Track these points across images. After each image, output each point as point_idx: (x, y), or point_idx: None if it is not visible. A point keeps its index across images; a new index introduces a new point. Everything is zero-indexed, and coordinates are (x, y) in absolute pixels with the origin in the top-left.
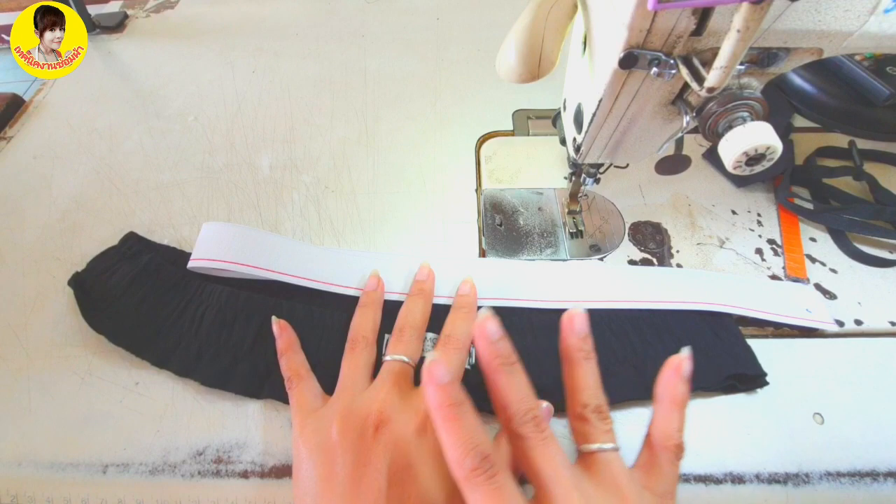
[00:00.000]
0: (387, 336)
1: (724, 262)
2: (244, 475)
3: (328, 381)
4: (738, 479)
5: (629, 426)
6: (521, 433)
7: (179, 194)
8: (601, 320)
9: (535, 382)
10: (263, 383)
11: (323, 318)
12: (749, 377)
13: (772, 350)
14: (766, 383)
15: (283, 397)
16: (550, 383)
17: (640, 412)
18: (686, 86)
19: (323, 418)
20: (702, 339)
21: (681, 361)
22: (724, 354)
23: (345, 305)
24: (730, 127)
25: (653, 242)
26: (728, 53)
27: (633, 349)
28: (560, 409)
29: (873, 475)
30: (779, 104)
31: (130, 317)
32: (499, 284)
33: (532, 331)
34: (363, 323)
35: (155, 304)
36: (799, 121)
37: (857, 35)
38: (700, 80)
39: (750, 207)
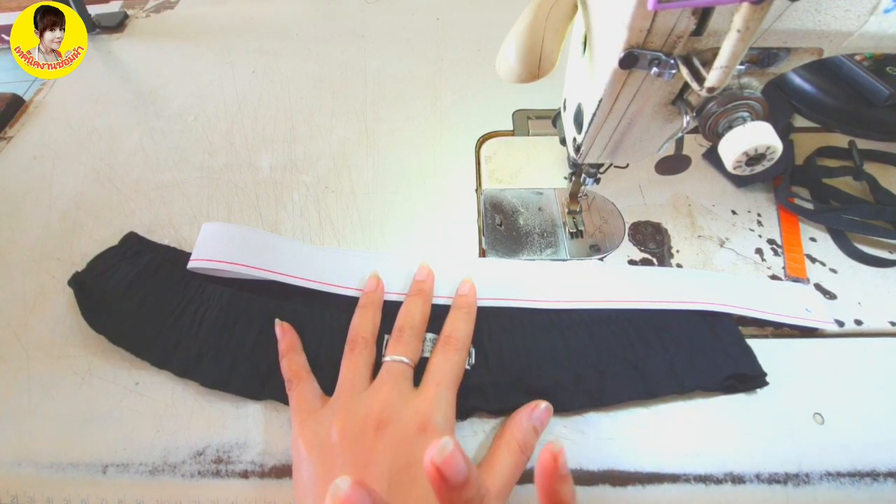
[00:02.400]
0: (386, 337)
1: (724, 262)
2: (244, 475)
3: (329, 382)
4: (738, 479)
5: (629, 427)
6: None
7: (179, 194)
8: (601, 320)
9: (534, 384)
10: (264, 385)
11: (324, 319)
12: (749, 377)
13: (772, 350)
14: (766, 383)
15: (283, 399)
16: (549, 385)
17: (641, 412)
18: (686, 86)
19: (323, 419)
20: (701, 339)
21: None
22: (724, 355)
23: (345, 306)
24: (730, 127)
25: (653, 242)
26: (728, 53)
27: (633, 349)
28: (560, 409)
29: (873, 475)
30: (779, 104)
31: (131, 317)
32: (499, 284)
33: (532, 331)
34: (362, 323)
35: (155, 305)
36: (799, 121)
37: (857, 35)
38: (700, 79)
39: (750, 207)
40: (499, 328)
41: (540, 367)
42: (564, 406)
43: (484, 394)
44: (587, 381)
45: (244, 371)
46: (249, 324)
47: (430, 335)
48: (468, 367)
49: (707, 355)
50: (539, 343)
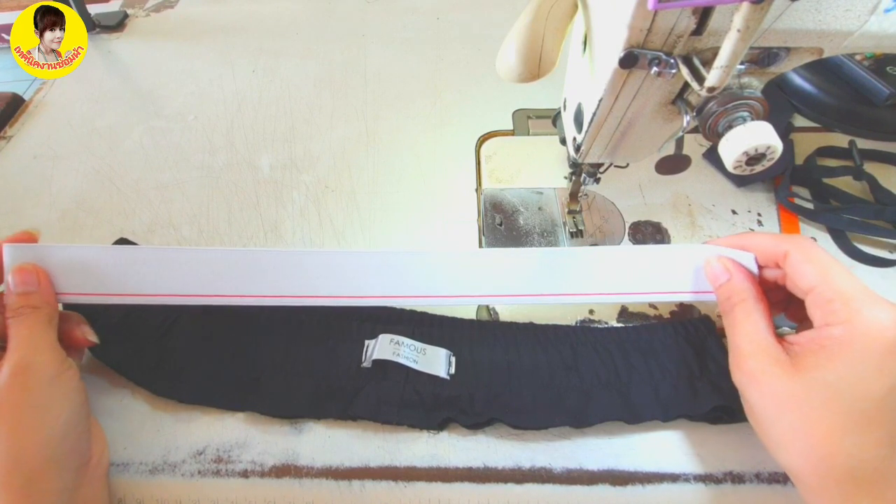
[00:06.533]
0: (369, 343)
1: None
2: (244, 475)
3: (311, 376)
4: (738, 479)
5: (629, 427)
6: None
7: (179, 194)
8: (587, 341)
9: (514, 400)
10: (245, 398)
11: (301, 324)
12: (736, 410)
13: None
14: None
15: (265, 410)
16: (529, 402)
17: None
18: (686, 85)
19: None
20: (687, 368)
21: None
22: (710, 386)
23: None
24: (730, 126)
25: (653, 242)
26: (728, 53)
27: (618, 373)
28: (537, 428)
29: None
30: (779, 104)
31: (114, 332)
32: (494, 280)
33: (515, 346)
34: None
35: (141, 319)
36: (799, 120)
37: (858, 35)
38: (700, 79)
39: (750, 207)
40: (480, 340)
41: (520, 384)
42: (542, 425)
43: (461, 407)
44: (568, 402)
45: (224, 385)
46: (226, 336)
47: (408, 340)
48: (447, 377)
49: (693, 385)
50: (522, 359)
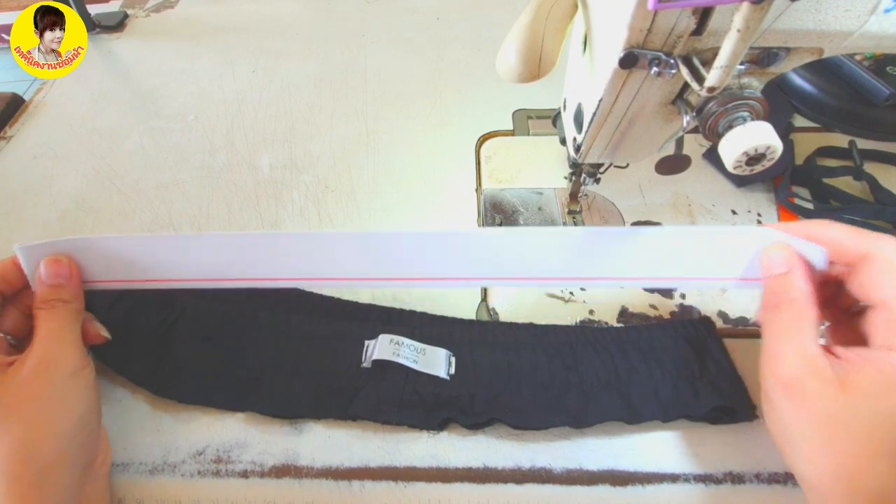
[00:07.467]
0: (369, 343)
1: None
2: (244, 475)
3: (311, 376)
4: (738, 479)
5: (629, 427)
6: None
7: (179, 194)
8: (586, 341)
9: (513, 401)
10: (245, 398)
11: (301, 324)
12: (736, 410)
13: None
14: (756, 417)
15: (264, 411)
16: (529, 403)
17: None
18: (686, 85)
19: None
20: (688, 368)
21: None
22: (710, 386)
23: (314, 304)
24: (730, 127)
25: None
26: (728, 53)
27: (618, 373)
28: (538, 429)
29: None
30: (779, 104)
31: (116, 332)
32: (496, 261)
33: (516, 348)
34: None
35: (141, 318)
36: (799, 121)
37: (858, 35)
38: (700, 79)
39: (750, 207)
40: (480, 340)
41: (520, 384)
42: (542, 425)
43: (461, 407)
44: (568, 402)
45: (224, 385)
46: (226, 336)
47: (408, 341)
48: (447, 377)
49: (693, 385)
50: (522, 359)
